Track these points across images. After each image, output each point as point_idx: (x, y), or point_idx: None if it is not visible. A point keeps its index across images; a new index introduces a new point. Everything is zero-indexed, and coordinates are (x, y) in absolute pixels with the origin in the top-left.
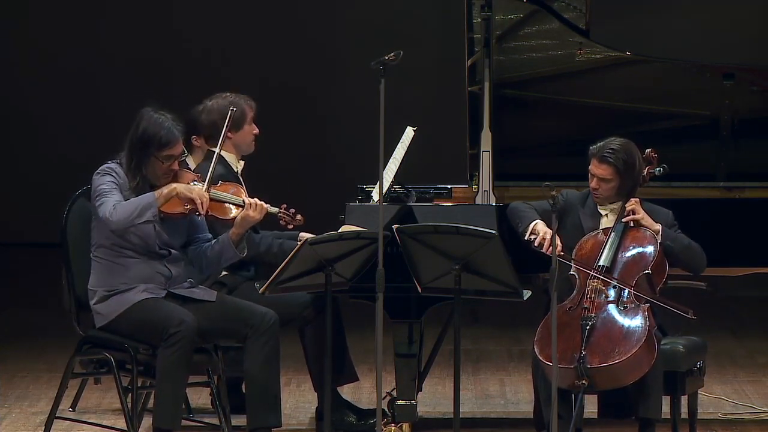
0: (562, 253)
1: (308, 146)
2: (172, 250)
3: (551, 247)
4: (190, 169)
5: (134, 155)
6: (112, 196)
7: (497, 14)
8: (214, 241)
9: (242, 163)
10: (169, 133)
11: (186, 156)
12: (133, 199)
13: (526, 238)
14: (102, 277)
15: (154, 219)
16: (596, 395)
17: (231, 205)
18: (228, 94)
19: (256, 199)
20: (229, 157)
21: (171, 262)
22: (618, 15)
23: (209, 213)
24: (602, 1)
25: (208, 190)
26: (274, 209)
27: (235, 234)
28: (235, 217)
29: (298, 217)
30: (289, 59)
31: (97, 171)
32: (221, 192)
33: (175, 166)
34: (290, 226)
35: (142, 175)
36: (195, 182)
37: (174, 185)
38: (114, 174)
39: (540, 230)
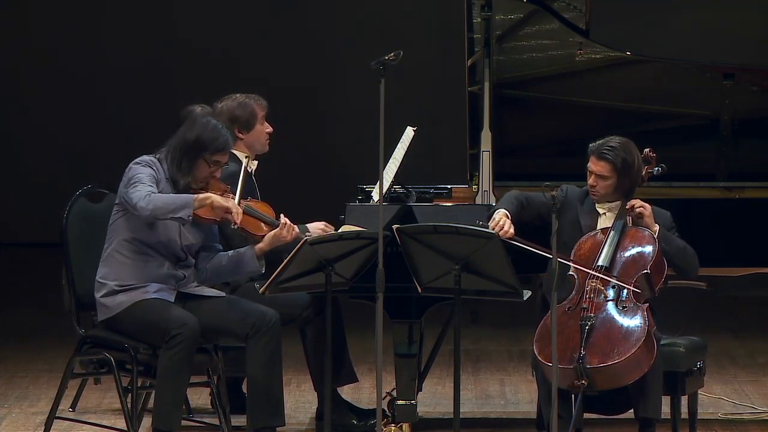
0: (516, 237)
1: (308, 146)
2: (189, 255)
3: (503, 231)
4: None
5: (185, 156)
6: (149, 185)
7: (497, 14)
8: (232, 252)
9: (255, 163)
10: (226, 141)
11: (228, 164)
12: (170, 194)
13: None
14: (115, 271)
15: (188, 219)
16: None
17: (262, 223)
18: (237, 95)
19: (288, 220)
20: (242, 157)
21: (184, 266)
22: (618, 15)
23: (241, 227)
24: (602, 1)
25: (240, 204)
26: (303, 235)
27: (261, 250)
28: (264, 234)
29: None
30: (289, 59)
31: (137, 161)
32: (255, 207)
33: (218, 174)
34: None
35: (189, 176)
36: (227, 193)
37: (210, 195)
38: (155, 168)
39: (496, 217)
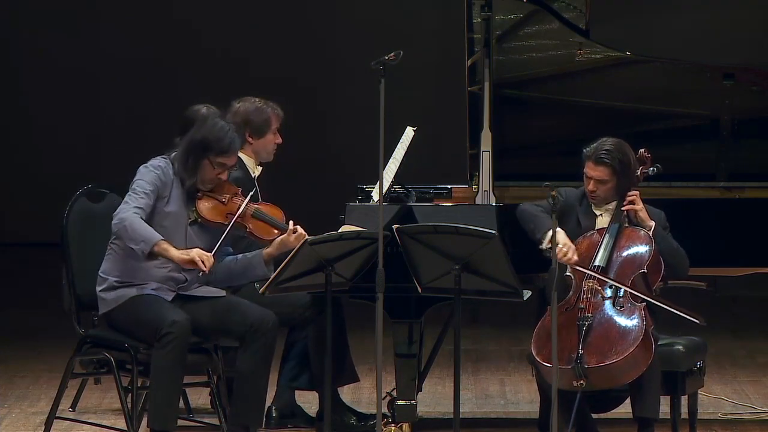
0: (579, 266)
1: (308, 146)
2: None
3: (571, 259)
4: None
5: (191, 156)
6: (138, 200)
7: (497, 14)
8: (240, 255)
9: (260, 168)
10: (232, 143)
11: (237, 168)
12: (145, 226)
13: (543, 246)
14: (117, 266)
15: (141, 254)
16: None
17: (271, 227)
18: (256, 99)
19: (298, 225)
20: (248, 162)
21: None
22: (618, 15)
23: (249, 230)
24: (602, 1)
25: (249, 207)
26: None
27: (269, 255)
28: (272, 239)
29: None
30: (289, 59)
31: (146, 164)
32: (264, 211)
33: (224, 176)
34: None
35: (196, 176)
36: (237, 196)
37: (174, 253)
38: (162, 171)
39: (560, 240)
